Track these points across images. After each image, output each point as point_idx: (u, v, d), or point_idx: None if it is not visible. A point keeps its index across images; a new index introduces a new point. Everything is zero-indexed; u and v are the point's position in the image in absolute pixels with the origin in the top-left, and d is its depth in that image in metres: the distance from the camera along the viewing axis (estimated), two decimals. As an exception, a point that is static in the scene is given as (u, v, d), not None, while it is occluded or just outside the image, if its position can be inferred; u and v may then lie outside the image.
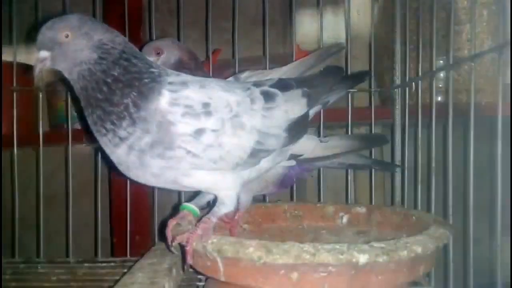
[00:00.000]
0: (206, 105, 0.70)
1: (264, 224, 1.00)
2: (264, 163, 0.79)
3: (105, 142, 0.70)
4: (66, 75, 0.71)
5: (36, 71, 0.70)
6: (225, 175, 0.75)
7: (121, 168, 0.72)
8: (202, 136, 0.69)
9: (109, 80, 0.68)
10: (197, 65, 0.95)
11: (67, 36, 0.69)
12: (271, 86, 0.78)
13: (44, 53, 0.69)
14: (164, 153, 0.68)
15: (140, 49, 0.94)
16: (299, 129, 0.80)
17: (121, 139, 0.67)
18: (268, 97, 0.75)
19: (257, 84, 0.78)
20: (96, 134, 0.70)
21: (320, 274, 0.62)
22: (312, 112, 0.86)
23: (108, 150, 0.71)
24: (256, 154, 0.75)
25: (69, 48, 0.69)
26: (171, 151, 0.68)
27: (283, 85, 0.79)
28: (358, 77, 0.99)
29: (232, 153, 0.72)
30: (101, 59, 0.68)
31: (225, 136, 0.70)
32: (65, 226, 1.17)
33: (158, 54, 0.93)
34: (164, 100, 0.68)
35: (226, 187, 0.77)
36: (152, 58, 0.92)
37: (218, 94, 0.72)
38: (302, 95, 0.79)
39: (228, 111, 0.71)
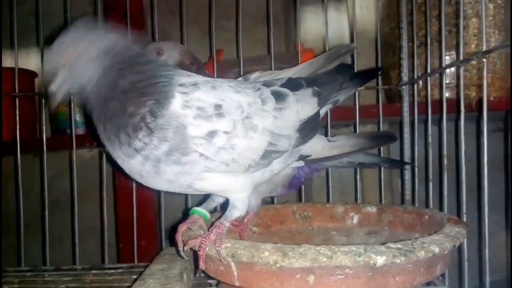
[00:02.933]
0: (218, 107, 0.68)
1: (273, 226, 0.99)
2: (276, 164, 0.78)
3: (118, 153, 0.68)
4: (81, 94, 0.70)
5: (53, 104, 0.70)
6: (238, 177, 0.73)
7: (133, 175, 0.70)
8: (215, 138, 0.67)
9: (121, 89, 0.66)
10: (198, 69, 0.94)
11: (68, 59, 0.67)
12: (282, 85, 0.77)
13: (54, 85, 0.69)
14: (180, 159, 0.66)
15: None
16: (311, 129, 0.79)
17: (137, 150, 0.65)
18: (279, 97, 0.74)
19: (267, 84, 0.77)
20: (108, 146, 0.69)
21: (337, 276, 0.61)
22: (323, 111, 0.85)
23: (120, 160, 0.69)
24: (268, 155, 0.73)
25: (74, 69, 0.68)
26: (186, 156, 0.66)
27: (294, 84, 0.78)
28: (369, 74, 0.98)
29: (245, 155, 0.70)
30: (108, 69, 0.67)
31: (237, 138, 0.69)
32: (69, 231, 1.15)
33: (159, 54, 0.92)
34: (177, 103, 0.66)
35: (239, 190, 0.76)
36: None
37: (230, 95, 0.70)
38: (313, 94, 0.78)
39: (239, 112, 0.69)
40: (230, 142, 0.68)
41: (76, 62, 0.67)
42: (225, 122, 0.68)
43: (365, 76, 0.97)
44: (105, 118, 0.67)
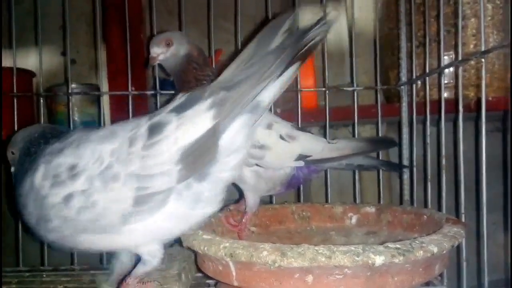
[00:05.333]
0: (73, 167, 0.67)
1: (272, 226, 0.99)
2: (173, 203, 0.67)
3: None
4: None
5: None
6: (135, 227, 0.67)
7: None
8: (71, 201, 0.66)
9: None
10: (205, 61, 0.93)
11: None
12: (171, 110, 0.68)
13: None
14: (46, 226, 0.68)
15: (148, 42, 0.92)
16: (199, 154, 0.66)
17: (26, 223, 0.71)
18: (154, 130, 0.67)
19: (154, 115, 0.69)
20: None
21: (335, 276, 0.61)
22: (242, 120, 0.68)
23: None
24: (144, 200, 0.66)
25: None
26: (50, 223, 0.67)
27: (190, 101, 0.68)
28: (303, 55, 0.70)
29: (111, 208, 0.66)
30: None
31: (97, 194, 0.65)
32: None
33: (168, 45, 0.90)
34: (39, 175, 0.68)
35: (141, 242, 0.70)
36: (161, 49, 0.90)
37: (91, 149, 0.68)
38: (210, 107, 0.66)
39: (98, 165, 0.66)
40: (90, 199, 0.66)
41: None
42: (80, 181, 0.66)
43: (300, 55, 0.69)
44: None
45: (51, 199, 0.67)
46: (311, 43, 0.67)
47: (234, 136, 0.68)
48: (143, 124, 0.68)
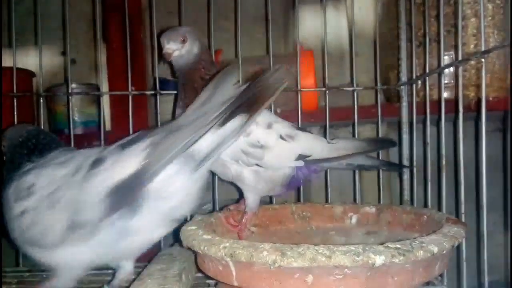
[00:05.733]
0: (31, 186, 0.74)
1: (271, 226, 0.98)
2: (103, 234, 0.70)
3: None
4: None
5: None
6: (64, 250, 0.72)
7: None
8: (25, 216, 0.72)
9: None
10: (211, 60, 0.93)
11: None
12: (119, 145, 0.72)
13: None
14: (12, 234, 0.75)
15: (159, 36, 0.90)
16: (127, 191, 0.68)
17: None
18: (97, 163, 0.70)
19: (106, 149, 0.74)
20: None
21: (335, 276, 0.61)
22: (176, 167, 0.69)
23: None
24: (76, 226, 0.69)
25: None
26: (13, 231, 0.75)
27: (134, 139, 0.71)
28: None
29: (50, 229, 0.70)
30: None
31: (42, 213, 0.71)
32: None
33: (183, 42, 0.88)
34: (10, 189, 0.76)
35: (70, 266, 0.76)
36: (177, 46, 0.88)
37: (48, 171, 0.74)
38: (144, 148, 0.68)
39: (48, 187, 0.72)
40: (37, 217, 0.72)
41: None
42: (33, 199, 0.72)
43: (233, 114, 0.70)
44: None
45: (14, 211, 0.74)
46: (256, 97, 0.69)
47: (166, 181, 0.69)
48: (93, 155, 0.72)
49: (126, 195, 0.68)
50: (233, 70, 0.74)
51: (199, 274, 0.88)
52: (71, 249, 0.71)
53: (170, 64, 0.92)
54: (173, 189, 0.70)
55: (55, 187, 0.71)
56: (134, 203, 0.68)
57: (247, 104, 0.68)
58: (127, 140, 0.73)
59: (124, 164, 0.68)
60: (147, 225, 0.71)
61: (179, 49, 0.88)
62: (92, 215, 0.68)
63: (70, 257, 0.73)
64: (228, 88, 0.70)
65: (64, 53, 1.58)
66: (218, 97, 0.69)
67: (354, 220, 0.97)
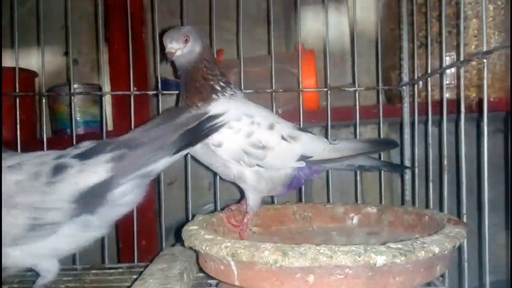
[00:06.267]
0: None
1: (273, 226, 0.99)
2: (67, 229, 0.78)
3: None
4: None
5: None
6: (29, 247, 0.77)
7: None
8: None
9: None
10: (214, 60, 0.93)
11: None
12: (75, 156, 0.78)
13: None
14: None
15: (161, 36, 0.90)
16: (94, 197, 0.77)
17: None
18: (58, 170, 0.77)
19: (62, 156, 0.79)
20: None
21: (337, 276, 0.61)
22: (135, 182, 0.80)
23: None
24: (38, 228, 0.75)
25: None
26: None
27: (92, 152, 0.79)
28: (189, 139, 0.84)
29: (9, 231, 0.74)
30: None
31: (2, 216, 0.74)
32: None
33: (186, 41, 0.88)
34: None
35: (36, 260, 0.81)
36: (179, 45, 0.87)
37: (5, 177, 0.76)
38: (109, 160, 0.77)
39: (5, 192, 0.74)
40: None
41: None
42: None
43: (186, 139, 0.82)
44: None
45: None
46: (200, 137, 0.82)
47: (126, 192, 0.79)
48: (48, 162, 0.78)
49: (94, 199, 0.77)
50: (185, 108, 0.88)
51: (201, 274, 0.89)
52: (29, 246, 0.77)
53: (173, 64, 0.92)
54: (128, 199, 0.81)
55: (10, 194, 0.74)
56: (99, 206, 0.78)
57: (193, 140, 0.82)
58: (86, 149, 0.80)
59: (90, 172, 0.76)
60: (96, 227, 0.81)
61: (182, 48, 0.88)
62: (60, 216, 0.76)
63: (29, 254, 0.79)
64: (181, 119, 0.83)
65: (66, 53, 1.58)
66: (172, 125, 0.81)
67: (355, 220, 0.97)
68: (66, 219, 0.76)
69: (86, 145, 0.82)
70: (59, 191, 0.75)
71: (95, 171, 0.76)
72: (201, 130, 0.82)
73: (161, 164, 0.81)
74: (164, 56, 0.89)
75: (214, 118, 0.83)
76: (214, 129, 0.83)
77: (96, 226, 0.80)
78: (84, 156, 0.78)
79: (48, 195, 0.75)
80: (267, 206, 1.00)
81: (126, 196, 0.80)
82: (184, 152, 0.82)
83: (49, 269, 0.82)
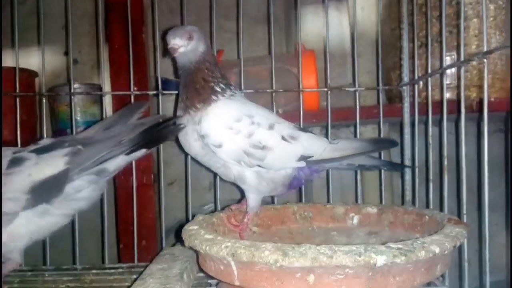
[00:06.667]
0: None
1: (273, 226, 0.99)
2: (23, 219, 0.81)
3: None
4: None
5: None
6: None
7: None
8: None
9: None
10: (215, 62, 0.93)
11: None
12: (33, 150, 0.84)
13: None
14: None
15: (164, 34, 0.90)
16: (49, 189, 0.81)
17: None
18: (14, 162, 0.81)
19: (21, 150, 0.84)
20: None
21: (337, 276, 0.61)
22: (89, 178, 0.86)
23: None
24: None
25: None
26: None
27: (49, 147, 0.84)
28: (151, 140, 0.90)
29: None
30: None
31: None
32: (69, 231, 1.15)
33: (189, 39, 0.88)
34: None
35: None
36: (183, 42, 0.87)
37: None
38: (65, 155, 0.82)
39: None
40: None
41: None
42: None
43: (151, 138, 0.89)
44: None
45: None
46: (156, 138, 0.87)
47: (81, 187, 0.85)
48: (7, 156, 0.82)
49: (49, 190, 0.81)
50: (141, 106, 0.93)
51: (201, 274, 0.89)
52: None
53: (174, 63, 0.92)
54: (85, 194, 0.86)
55: None
56: (54, 198, 0.82)
57: (149, 142, 0.87)
58: (44, 144, 0.85)
59: (46, 165, 0.81)
60: (54, 215, 0.85)
61: (185, 45, 0.88)
62: (15, 206, 0.80)
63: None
64: (134, 120, 0.89)
65: (66, 53, 1.58)
66: (130, 124, 0.87)
67: (355, 220, 0.97)
68: (21, 209, 0.80)
69: (45, 141, 0.87)
70: (14, 182, 0.80)
71: (49, 164, 0.81)
72: (158, 132, 0.86)
73: (117, 162, 0.86)
74: (167, 52, 0.89)
75: (173, 121, 0.87)
76: (173, 132, 0.87)
77: (54, 215, 0.84)
78: (41, 151, 0.83)
79: (3, 186, 0.79)
80: (267, 206, 1.00)
81: (82, 191, 0.85)
82: (141, 152, 0.87)
83: (10, 257, 0.85)
